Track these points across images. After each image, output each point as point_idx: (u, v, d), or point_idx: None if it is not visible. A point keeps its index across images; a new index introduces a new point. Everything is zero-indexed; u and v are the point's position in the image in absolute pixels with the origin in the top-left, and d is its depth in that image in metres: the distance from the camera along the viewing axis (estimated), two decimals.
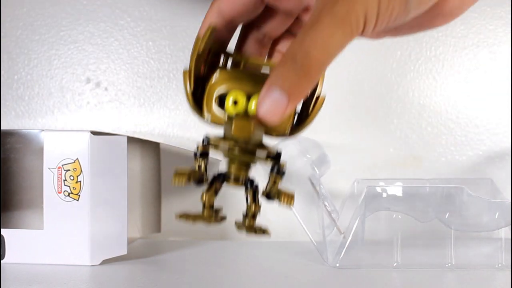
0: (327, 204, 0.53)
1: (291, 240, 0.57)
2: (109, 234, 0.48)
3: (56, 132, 0.48)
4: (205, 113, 0.38)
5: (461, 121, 0.65)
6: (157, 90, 0.65)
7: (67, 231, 0.47)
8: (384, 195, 0.49)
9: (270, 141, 0.39)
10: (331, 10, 0.32)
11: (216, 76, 0.37)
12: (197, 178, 0.39)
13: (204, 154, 0.39)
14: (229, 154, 0.38)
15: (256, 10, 0.38)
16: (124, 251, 0.49)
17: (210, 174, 0.39)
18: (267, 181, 0.40)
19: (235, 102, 0.37)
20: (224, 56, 0.40)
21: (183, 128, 0.65)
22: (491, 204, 0.49)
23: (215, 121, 0.38)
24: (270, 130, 0.37)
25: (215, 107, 0.37)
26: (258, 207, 0.40)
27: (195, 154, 0.39)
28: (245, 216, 0.40)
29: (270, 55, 0.42)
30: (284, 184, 0.50)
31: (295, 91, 0.32)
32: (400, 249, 0.48)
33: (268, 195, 0.40)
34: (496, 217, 0.48)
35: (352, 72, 0.65)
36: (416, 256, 0.50)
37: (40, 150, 0.48)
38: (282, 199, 0.39)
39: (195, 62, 0.37)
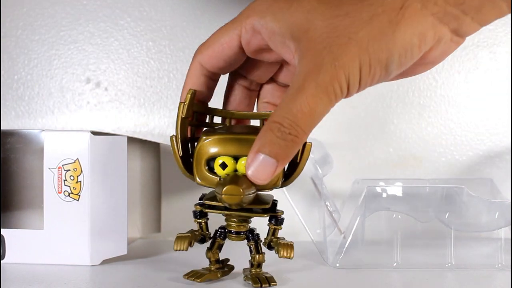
0: (328, 204, 0.53)
1: (292, 241, 0.57)
2: (109, 234, 0.48)
3: (56, 132, 0.48)
4: (196, 177, 0.39)
5: (461, 121, 0.65)
6: (157, 90, 0.65)
7: (67, 231, 0.47)
8: (384, 195, 0.49)
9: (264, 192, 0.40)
10: (315, 78, 0.33)
11: (201, 141, 0.38)
12: (198, 239, 0.41)
13: (203, 214, 0.40)
14: (226, 212, 0.39)
15: (238, 62, 0.40)
16: (124, 251, 0.49)
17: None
18: (267, 231, 0.41)
19: (223, 165, 0.37)
20: (210, 114, 0.41)
21: None
22: (491, 204, 0.49)
23: (205, 185, 0.38)
24: (262, 186, 0.37)
25: (204, 171, 0.38)
26: (262, 256, 0.41)
27: (195, 214, 0.41)
28: (251, 265, 0.41)
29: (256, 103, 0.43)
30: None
31: (284, 155, 0.34)
32: (400, 249, 0.48)
33: (269, 246, 0.41)
34: (496, 217, 0.48)
35: None
36: (416, 256, 0.50)
37: (40, 150, 0.48)
38: (281, 252, 0.40)
39: (181, 126, 0.38)
